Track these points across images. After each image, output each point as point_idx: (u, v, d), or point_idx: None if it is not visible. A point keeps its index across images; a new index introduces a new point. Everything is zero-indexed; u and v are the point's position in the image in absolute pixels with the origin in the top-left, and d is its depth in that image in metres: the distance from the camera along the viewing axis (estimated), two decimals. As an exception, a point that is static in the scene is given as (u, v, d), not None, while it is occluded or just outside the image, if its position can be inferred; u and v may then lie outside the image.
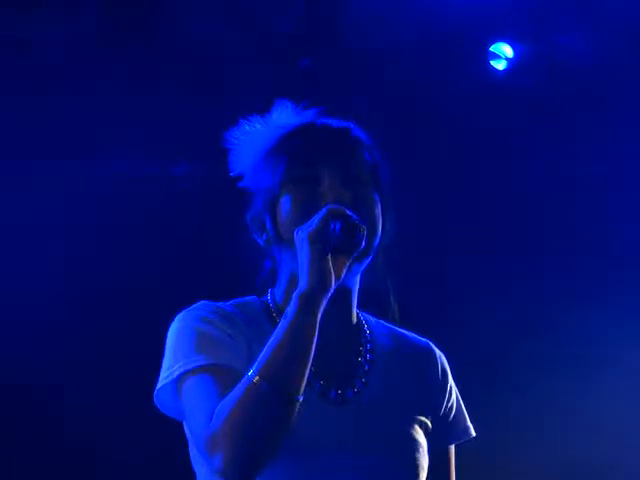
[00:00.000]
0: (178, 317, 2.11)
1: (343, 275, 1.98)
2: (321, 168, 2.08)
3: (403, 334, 2.25)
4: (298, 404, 1.90)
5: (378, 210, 2.10)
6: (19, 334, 4.63)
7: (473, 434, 2.25)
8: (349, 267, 2.01)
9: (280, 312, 2.12)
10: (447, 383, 2.23)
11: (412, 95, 4.64)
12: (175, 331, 2.08)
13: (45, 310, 4.65)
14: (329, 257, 1.95)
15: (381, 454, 2.07)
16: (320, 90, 4.46)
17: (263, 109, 2.19)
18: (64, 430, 4.65)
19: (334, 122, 2.16)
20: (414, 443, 2.11)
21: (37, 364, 4.62)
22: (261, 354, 1.92)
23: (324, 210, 1.97)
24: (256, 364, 1.91)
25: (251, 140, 2.18)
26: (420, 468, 2.10)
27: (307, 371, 1.92)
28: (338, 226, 1.95)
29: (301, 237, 1.96)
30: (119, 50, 4.49)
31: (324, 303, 1.94)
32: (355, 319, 2.17)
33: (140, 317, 4.40)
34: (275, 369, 1.89)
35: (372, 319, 2.24)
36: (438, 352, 2.25)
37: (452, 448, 2.24)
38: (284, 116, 2.17)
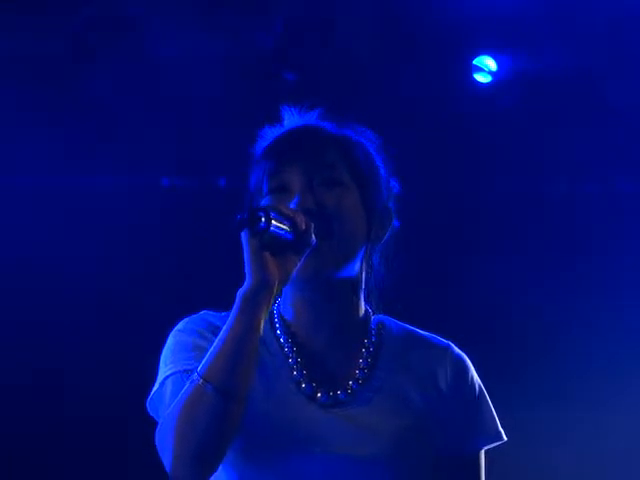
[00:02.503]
0: (174, 329, 2.14)
1: (292, 272, 1.98)
2: (289, 176, 2.09)
3: (421, 335, 2.22)
4: (243, 403, 1.91)
5: (351, 206, 2.09)
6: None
7: (503, 439, 2.20)
8: (323, 262, 2.03)
9: (281, 319, 2.14)
10: (462, 384, 2.17)
11: (396, 108, 4.64)
12: (167, 342, 2.12)
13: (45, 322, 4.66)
14: (267, 254, 1.94)
15: (371, 458, 2.05)
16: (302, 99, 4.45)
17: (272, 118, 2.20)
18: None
19: (306, 126, 2.17)
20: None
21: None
22: (206, 355, 1.94)
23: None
24: (201, 365, 1.93)
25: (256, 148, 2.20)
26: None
27: (252, 369, 1.93)
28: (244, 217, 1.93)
29: (242, 238, 1.96)
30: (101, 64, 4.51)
31: (268, 301, 1.94)
32: (360, 314, 2.16)
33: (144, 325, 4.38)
34: (217, 370, 1.91)
35: (388, 319, 2.21)
36: (457, 353, 2.20)
37: (480, 453, 2.19)
38: (287, 122, 2.19)
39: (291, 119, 2.18)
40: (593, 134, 4.76)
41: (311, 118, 2.19)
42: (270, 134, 2.18)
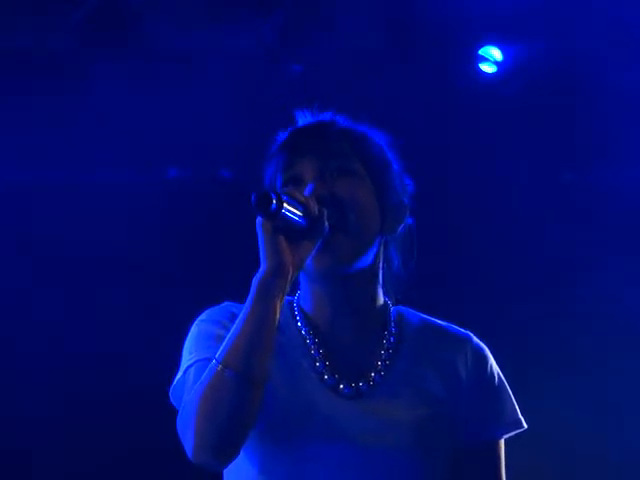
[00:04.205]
0: (196, 320, 2.17)
1: (307, 258, 2.00)
2: (301, 167, 2.11)
3: (440, 326, 2.23)
4: (262, 388, 1.93)
5: (365, 196, 2.11)
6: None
7: (523, 426, 2.21)
8: (338, 251, 2.04)
9: (301, 311, 2.16)
10: (482, 374, 2.19)
11: (401, 99, 4.64)
12: (190, 332, 2.15)
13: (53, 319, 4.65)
14: (281, 239, 1.96)
15: (392, 448, 2.06)
16: (308, 97, 4.45)
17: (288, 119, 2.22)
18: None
19: (319, 120, 2.19)
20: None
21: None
22: (224, 341, 1.96)
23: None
24: (219, 352, 1.95)
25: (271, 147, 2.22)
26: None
27: (270, 354, 1.95)
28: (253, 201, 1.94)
29: (256, 224, 1.98)
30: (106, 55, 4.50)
31: (284, 287, 1.96)
32: (378, 305, 2.17)
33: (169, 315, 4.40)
34: (236, 356, 1.93)
35: (408, 310, 2.23)
36: (476, 343, 2.21)
37: (500, 442, 2.20)
38: (300, 121, 2.21)
39: (304, 119, 2.20)
40: (599, 123, 4.75)
41: (323, 116, 2.20)
42: (283, 134, 2.20)
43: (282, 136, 2.19)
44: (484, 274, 4.95)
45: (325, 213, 2.01)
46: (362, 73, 4.61)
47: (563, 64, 4.72)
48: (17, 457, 4.74)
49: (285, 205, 1.94)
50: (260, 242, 1.97)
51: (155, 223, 4.77)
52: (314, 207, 2.00)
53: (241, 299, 2.08)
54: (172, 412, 2.10)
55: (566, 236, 4.99)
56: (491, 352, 2.22)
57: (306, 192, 2.05)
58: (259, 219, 1.96)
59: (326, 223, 2.01)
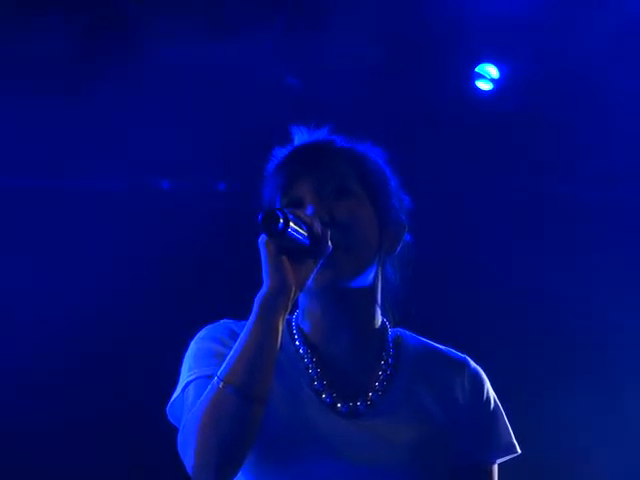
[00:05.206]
0: (195, 337, 2.16)
1: (309, 277, 2.00)
2: (300, 190, 2.12)
3: (436, 348, 2.24)
4: (263, 406, 1.94)
5: (363, 216, 2.12)
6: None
7: (517, 451, 2.22)
8: (334, 271, 2.05)
9: (299, 330, 2.16)
10: (478, 398, 2.20)
11: (398, 116, 4.64)
12: (189, 349, 2.15)
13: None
14: (284, 259, 1.96)
15: (388, 468, 2.07)
16: (306, 108, 4.45)
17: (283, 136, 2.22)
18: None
19: (315, 141, 2.20)
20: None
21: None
22: (226, 359, 1.96)
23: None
24: (221, 369, 1.96)
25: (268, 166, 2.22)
26: None
27: (272, 372, 1.96)
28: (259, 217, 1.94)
29: (259, 242, 1.98)
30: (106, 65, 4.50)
31: (286, 305, 1.97)
32: (376, 326, 2.18)
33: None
34: (238, 374, 1.93)
35: (405, 332, 2.24)
36: (473, 367, 2.23)
37: (494, 466, 2.21)
38: (297, 140, 2.22)
39: (301, 137, 2.21)
40: (595, 139, 4.76)
41: (320, 134, 2.22)
42: (281, 153, 2.20)
43: (279, 155, 2.20)
44: (480, 294, 4.94)
45: (328, 232, 2.02)
46: (359, 88, 4.61)
47: (559, 82, 4.73)
48: (17, 456, 4.73)
49: (291, 224, 1.95)
50: (263, 260, 1.98)
51: (152, 237, 4.76)
52: (318, 227, 2.01)
53: (238, 315, 2.10)
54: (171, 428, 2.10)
55: (563, 249, 4.99)
56: (486, 374, 2.23)
57: (308, 213, 2.05)
58: (262, 237, 1.97)
59: (329, 243, 2.02)
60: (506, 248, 4.96)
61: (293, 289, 1.97)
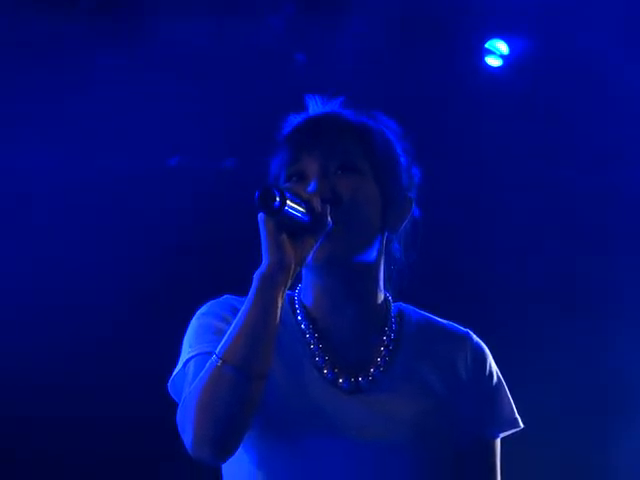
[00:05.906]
0: (197, 312, 2.16)
1: (309, 254, 2.00)
2: (305, 164, 2.11)
3: (439, 323, 2.24)
4: (263, 383, 1.94)
5: (366, 193, 2.10)
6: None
7: (519, 426, 2.22)
8: (335, 245, 2.04)
9: (302, 306, 2.16)
10: (481, 372, 2.19)
11: (408, 92, 4.63)
12: (190, 325, 2.15)
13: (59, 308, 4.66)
14: (283, 236, 1.96)
15: (391, 444, 2.06)
16: (316, 86, 4.44)
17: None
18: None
19: (325, 114, 2.18)
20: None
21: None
22: (225, 336, 1.96)
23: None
24: (220, 346, 1.95)
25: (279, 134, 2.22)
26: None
27: (271, 348, 1.95)
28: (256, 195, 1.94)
29: (259, 219, 1.98)
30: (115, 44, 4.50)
31: (286, 282, 1.96)
32: (379, 301, 2.17)
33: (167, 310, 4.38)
34: (236, 351, 1.93)
35: (408, 307, 2.23)
36: (476, 341, 2.22)
37: (496, 441, 2.21)
38: (311, 110, 2.19)
39: (315, 107, 2.19)
40: (607, 119, 4.74)
41: (333, 106, 2.20)
42: (292, 121, 2.19)
43: (290, 123, 2.19)
44: (485, 272, 4.94)
45: (328, 210, 2.01)
46: (368, 66, 4.60)
47: (569, 58, 4.72)
48: (17, 457, 4.74)
49: (288, 202, 1.94)
50: (262, 238, 1.97)
51: (156, 213, 4.76)
52: (317, 204, 2.00)
53: (242, 292, 2.08)
54: (172, 404, 2.10)
55: (569, 235, 4.99)
56: (490, 350, 2.23)
57: (310, 189, 2.05)
58: (261, 215, 1.97)
59: (329, 220, 2.02)
60: (510, 225, 4.95)
61: (292, 265, 1.96)
